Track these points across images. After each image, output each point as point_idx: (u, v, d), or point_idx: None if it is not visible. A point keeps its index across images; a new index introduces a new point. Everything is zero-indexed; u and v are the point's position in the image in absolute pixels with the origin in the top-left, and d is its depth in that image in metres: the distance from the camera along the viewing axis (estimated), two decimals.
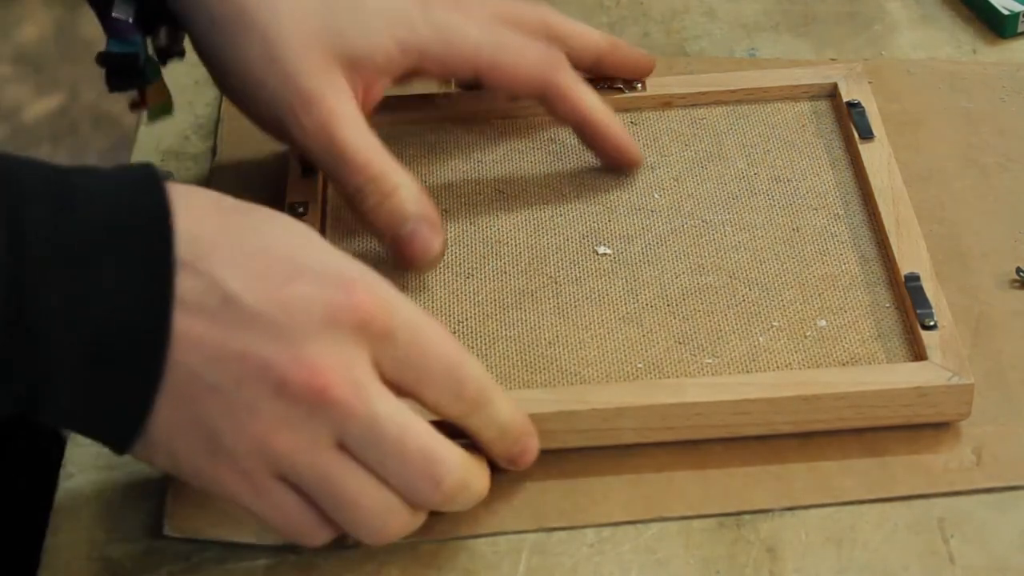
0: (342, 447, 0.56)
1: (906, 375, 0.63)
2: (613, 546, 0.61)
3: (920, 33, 0.84)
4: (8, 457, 0.86)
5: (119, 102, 0.77)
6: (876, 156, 0.72)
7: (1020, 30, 0.83)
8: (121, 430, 0.55)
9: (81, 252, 0.52)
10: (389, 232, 0.67)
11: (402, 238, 0.67)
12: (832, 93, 0.77)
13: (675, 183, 0.73)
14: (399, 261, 0.68)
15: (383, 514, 0.57)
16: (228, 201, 0.57)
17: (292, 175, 0.73)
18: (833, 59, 0.82)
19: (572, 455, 0.64)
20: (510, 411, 0.60)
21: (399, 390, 0.57)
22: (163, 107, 0.76)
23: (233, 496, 0.56)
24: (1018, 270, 0.70)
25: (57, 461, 0.66)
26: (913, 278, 0.66)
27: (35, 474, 0.77)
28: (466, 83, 0.77)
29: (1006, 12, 0.83)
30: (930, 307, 0.65)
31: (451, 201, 0.73)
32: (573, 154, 0.75)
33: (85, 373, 0.53)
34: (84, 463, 0.65)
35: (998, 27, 0.83)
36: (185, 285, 0.53)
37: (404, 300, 0.57)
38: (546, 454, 0.63)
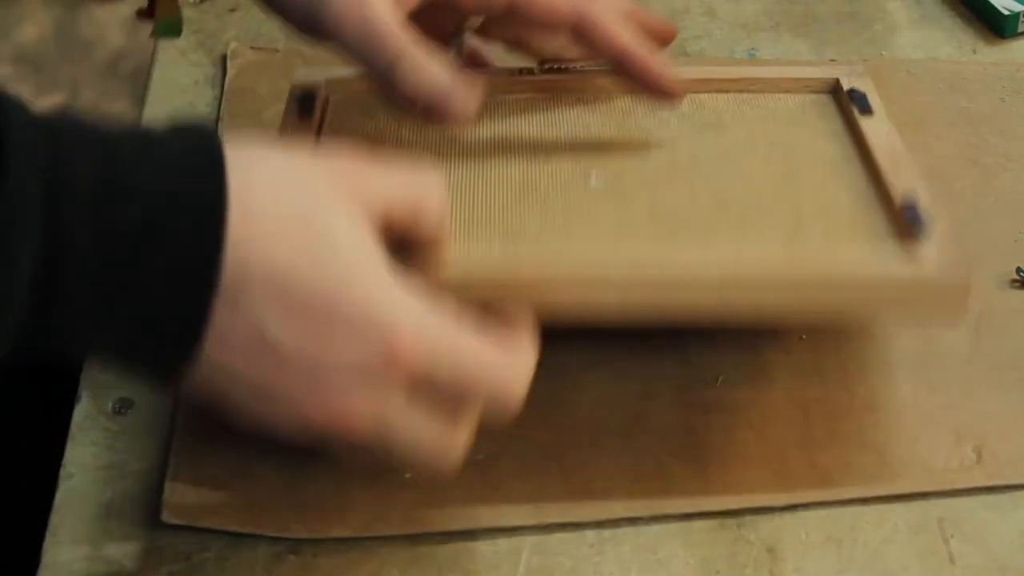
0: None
1: (906, 267, 0.61)
2: (613, 546, 0.61)
3: (920, 33, 0.84)
4: (8, 457, 0.86)
5: (119, 102, 0.76)
6: (877, 126, 0.72)
7: (1020, 30, 0.83)
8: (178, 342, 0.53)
9: (121, 250, 0.51)
10: (423, 99, 0.67)
11: (438, 99, 0.67)
12: (834, 88, 0.77)
13: (672, 143, 0.73)
14: (438, 120, 0.67)
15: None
16: (288, 190, 0.55)
17: (287, 119, 0.71)
18: (833, 59, 0.82)
19: (572, 455, 0.64)
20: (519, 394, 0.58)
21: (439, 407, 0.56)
22: (171, 24, 0.75)
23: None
24: (1018, 270, 0.70)
25: (57, 461, 0.66)
26: (910, 205, 0.64)
27: (35, 474, 0.77)
28: (497, 16, 0.76)
29: (1006, 12, 0.83)
30: (924, 222, 0.63)
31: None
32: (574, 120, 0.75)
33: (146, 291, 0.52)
34: (84, 463, 0.65)
35: (998, 27, 0.83)
36: (221, 317, 0.53)
37: (447, 332, 0.55)
38: (546, 454, 0.63)
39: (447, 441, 0.56)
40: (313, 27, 0.68)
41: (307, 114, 0.72)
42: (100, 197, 0.51)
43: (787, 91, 0.77)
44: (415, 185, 0.58)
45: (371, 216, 0.55)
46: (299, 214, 0.54)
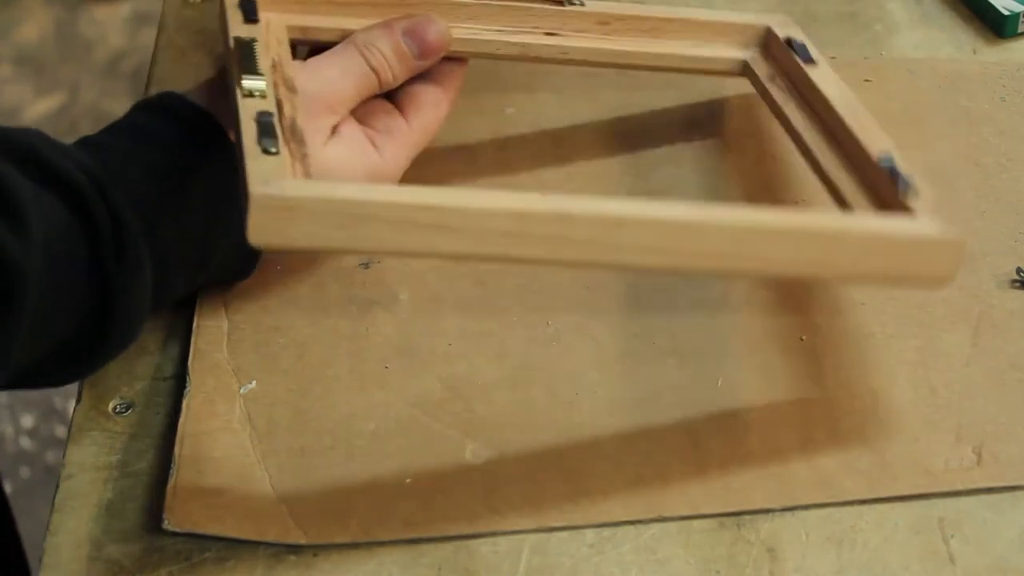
0: None
1: (899, 225, 0.61)
2: (613, 546, 0.61)
3: (920, 33, 0.84)
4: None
5: (119, 102, 0.77)
6: (824, 75, 0.72)
7: (1020, 30, 0.83)
8: None
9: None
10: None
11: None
12: (765, 40, 0.77)
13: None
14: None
15: None
16: None
17: (234, 21, 0.71)
18: (833, 57, 0.82)
19: (572, 455, 0.64)
20: None
21: None
22: None
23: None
24: (1018, 270, 0.70)
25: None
26: (886, 159, 0.65)
27: None
28: None
29: (1006, 12, 0.83)
30: (908, 182, 0.63)
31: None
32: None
33: None
34: (84, 463, 0.65)
35: (998, 27, 0.83)
36: None
37: None
38: (546, 453, 0.63)
39: None
40: None
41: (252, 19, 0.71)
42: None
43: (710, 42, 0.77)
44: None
45: None
46: None
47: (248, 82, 0.65)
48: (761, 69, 0.76)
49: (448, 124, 0.74)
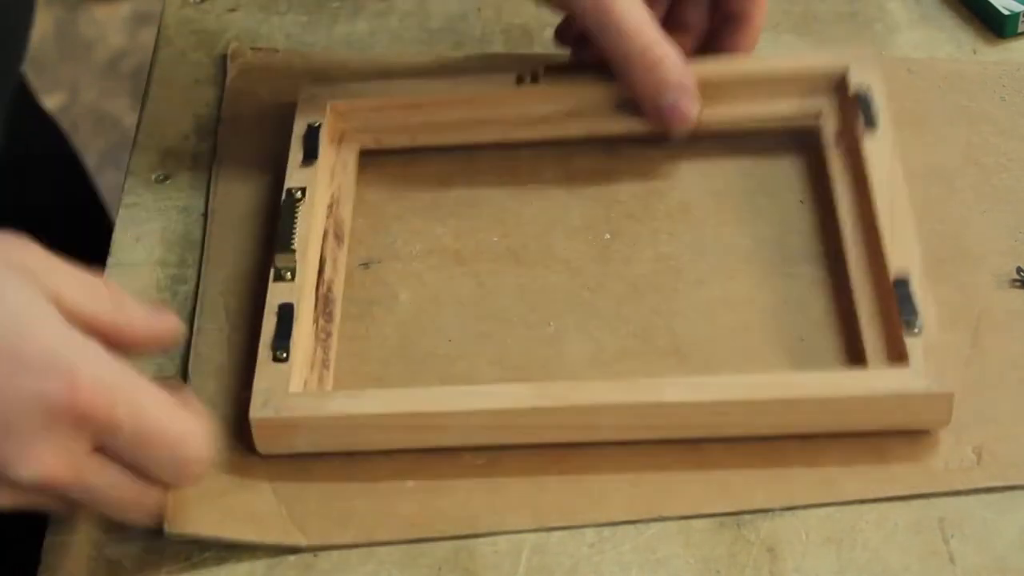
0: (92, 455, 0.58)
1: (885, 381, 0.63)
2: (613, 546, 0.61)
3: (920, 33, 0.84)
4: None
5: (119, 102, 0.77)
6: (879, 149, 0.72)
7: (1020, 30, 0.83)
8: None
9: None
10: (651, 101, 0.72)
11: (663, 108, 0.72)
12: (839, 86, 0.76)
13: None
14: (658, 128, 0.73)
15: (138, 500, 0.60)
16: None
17: (292, 162, 0.73)
18: None
19: (572, 454, 0.64)
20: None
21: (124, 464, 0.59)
22: None
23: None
24: (1018, 270, 0.70)
25: None
26: (903, 282, 0.66)
27: None
28: None
29: (1006, 12, 0.83)
30: (915, 313, 0.64)
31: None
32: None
33: None
34: None
35: (998, 27, 0.83)
36: None
37: (128, 380, 0.58)
38: (547, 454, 0.63)
39: (140, 493, 0.59)
40: (562, 7, 0.74)
41: (311, 160, 0.73)
42: None
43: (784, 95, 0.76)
44: (84, 275, 0.59)
45: (42, 287, 0.57)
46: None
47: (281, 261, 0.68)
48: (829, 126, 0.75)
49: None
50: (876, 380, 0.63)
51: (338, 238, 0.71)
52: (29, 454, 0.56)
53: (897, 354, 0.64)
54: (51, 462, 0.56)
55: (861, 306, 0.67)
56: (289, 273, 0.68)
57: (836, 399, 0.62)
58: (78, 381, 0.56)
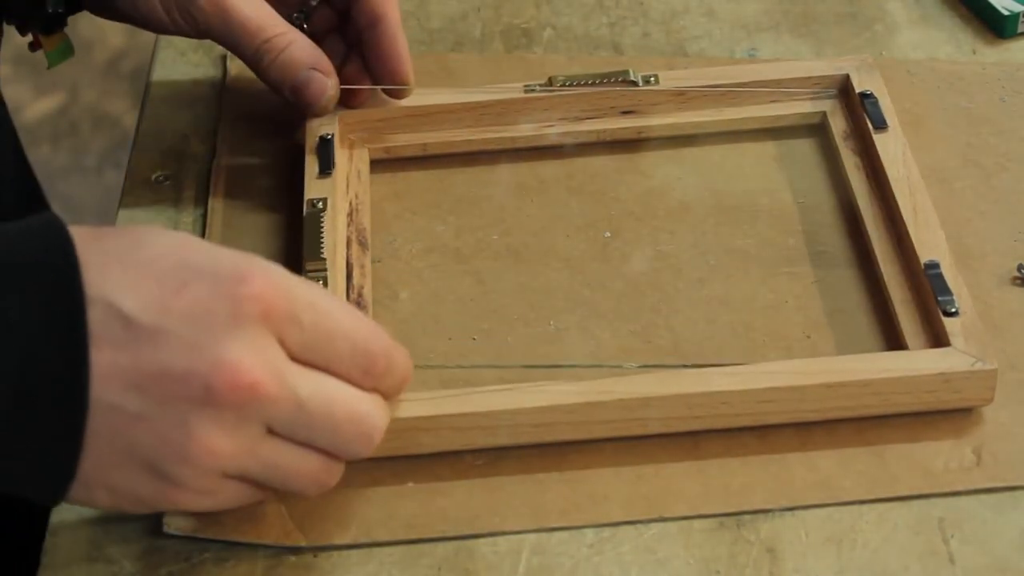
0: (273, 431, 0.57)
1: (930, 361, 0.63)
2: (613, 546, 0.61)
3: (920, 33, 0.84)
4: None
5: (119, 102, 0.78)
6: (892, 147, 0.73)
7: (1020, 30, 0.83)
8: (53, 477, 0.55)
9: None
10: (288, 82, 0.74)
11: (299, 84, 0.74)
12: (843, 88, 0.77)
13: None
14: (301, 107, 0.75)
15: (321, 474, 0.59)
16: (103, 228, 0.57)
17: (308, 174, 0.73)
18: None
19: (572, 455, 0.64)
20: (407, 365, 0.60)
21: (310, 366, 0.57)
22: (63, 50, 0.79)
23: (186, 507, 0.58)
24: (1020, 267, 0.70)
25: None
26: (933, 265, 0.67)
27: None
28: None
29: (1006, 12, 0.83)
30: (951, 294, 0.65)
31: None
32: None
33: (7, 424, 0.53)
34: None
35: (998, 27, 0.83)
36: (90, 318, 0.53)
37: (302, 282, 0.58)
38: (547, 454, 0.63)
39: (325, 466, 0.59)
40: (187, 29, 0.75)
41: (327, 172, 0.74)
42: None
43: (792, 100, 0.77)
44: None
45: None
46: (118, 231, 0.57)
47: (311, 271, 0.68)
48: (837, 124, 0.76)
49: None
50: (921, 361, 0.64)
51: (362, 244, 0.72)
52: (221, 358, 0.54)
53: (934, 336, 0.65)
54: (246, 365, 0.54)
55: (894, 294, 0.67)
56: (321, 281, 0.68)
57: (883, 380, 0.63)
58: (253, 279, 0.55)
